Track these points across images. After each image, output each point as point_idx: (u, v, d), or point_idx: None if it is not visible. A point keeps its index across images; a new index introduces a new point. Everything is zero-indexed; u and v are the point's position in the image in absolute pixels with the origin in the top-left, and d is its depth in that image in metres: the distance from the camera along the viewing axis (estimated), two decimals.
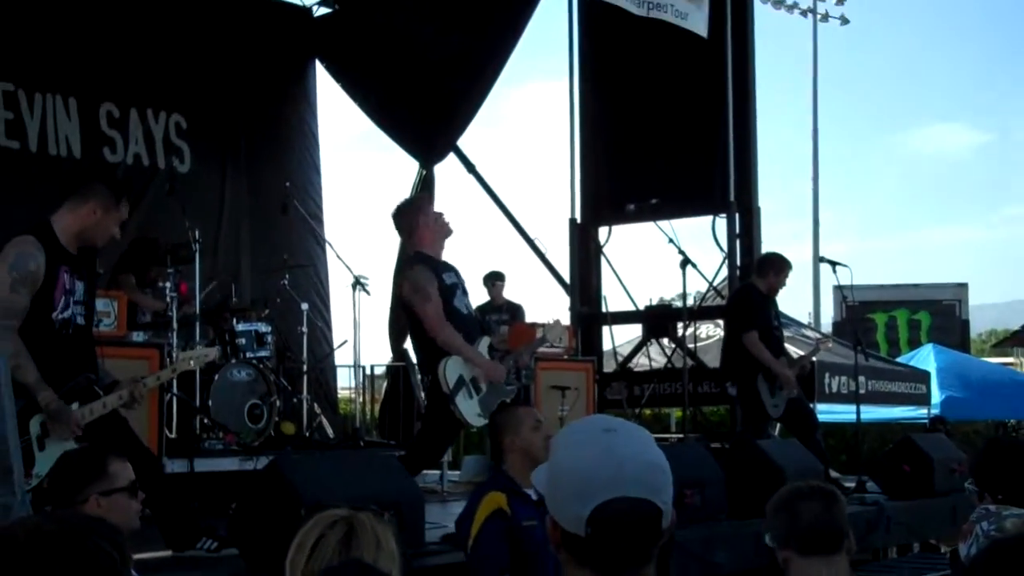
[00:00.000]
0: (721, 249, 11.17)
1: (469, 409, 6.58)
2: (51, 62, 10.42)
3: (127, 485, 3.75)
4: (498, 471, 4.98)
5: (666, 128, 11.52)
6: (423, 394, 8.12)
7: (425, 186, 12.77)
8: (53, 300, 5.15)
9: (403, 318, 8.34)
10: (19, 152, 10.22)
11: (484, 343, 6.82)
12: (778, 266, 9.26)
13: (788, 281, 9.37)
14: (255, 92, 12.08)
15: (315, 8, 13.28)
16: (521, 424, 4.91)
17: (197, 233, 8.88)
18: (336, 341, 12.21)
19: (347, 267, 9.69)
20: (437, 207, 6.98)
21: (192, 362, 5.95)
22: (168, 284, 8.50)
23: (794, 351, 10.47)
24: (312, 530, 2.46)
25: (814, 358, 10.37)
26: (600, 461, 1.92)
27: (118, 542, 1.73)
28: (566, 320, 10.65)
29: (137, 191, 10.19)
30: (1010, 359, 25.59)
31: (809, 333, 15.02)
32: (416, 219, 6.82)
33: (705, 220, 11.32)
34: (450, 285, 6.67)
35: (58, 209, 5.30)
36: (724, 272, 11.29)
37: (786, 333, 10.03)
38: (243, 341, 8.93)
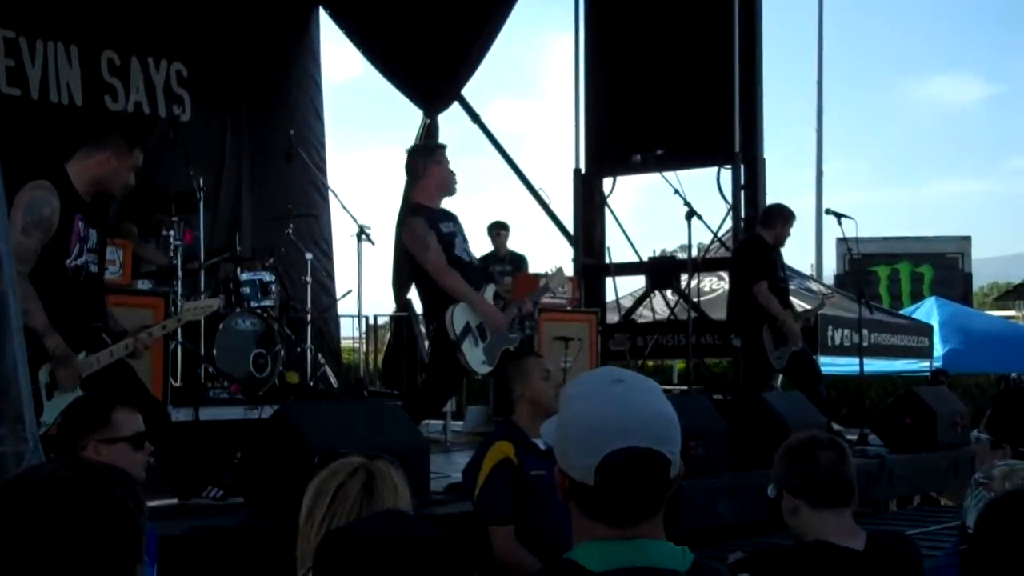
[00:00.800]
0: (726, 200, 11.14)
1: (475, 356, 6.60)
2: (52, 9, 10.34)
3: (130, 435, 3.75)
4: (507, 421, 4.98)
5: (671, 79, 11.46)
6: (427, 344, 8.12)
7: (429, 135, 12.72)
8: (68, 247, 5.15)
9: (407, 268, 8.34)
10: (21, 99, 10.16)
11: (490, 290, 6.83)
12: (784, 216, 9.26)
13: (792, 232, 9.37)
14: (257, 39, 12.00)
15: None
16: (531, 374, 4.91)
17: (201, 181, 8.87)
18: (340, 291, 12.21)
19: (351, 216, 9.67)
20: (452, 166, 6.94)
21: (196, 312, 5.96)
22: (172, 232, 8.50)
23: (797, 303, 10.48)
24: (331, 478, 2.45)
25: (819, 311, 10.39)
26: (609, 411, 1.93)
27: (133, 491, 1.73)
28: (569, 269, 10.65)
29: (139, 139, 10.14)
30: (1012, 312, 25.61)
31: (812, 285, 15.04)
32: (427, 166, 6.81)
33: (710, 171, 11.28)
34: (448, 234, 6.67)
35: (72, 156, 5.30)
36: (728, 224, 11.27)
37: (790, 286, 10.03)
38: (247, 290, 8.93)
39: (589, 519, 1.95)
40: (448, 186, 6.81)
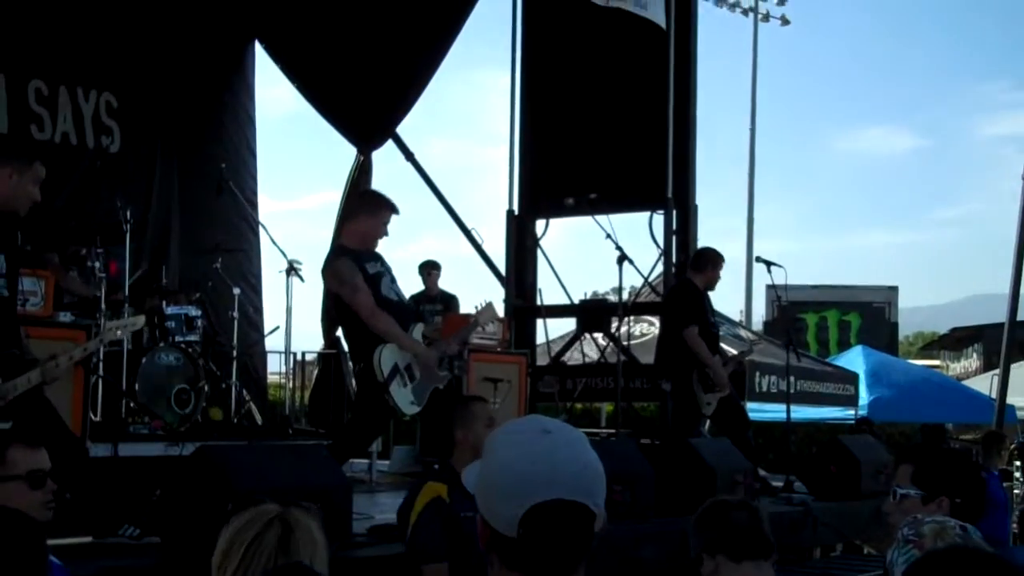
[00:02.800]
0: (658, 245, 11.18)
1: (403, 397, 6.56)
2: None
3: (24, 474, 3.62)
4: (443, 463, 4.94)
5: (606, 123, 11.52)
6: (354, 382, 8.05)
7: (362, 173, 12.68)
8: None
9: (334, 309, 8.24)
10: None
11: (418, 329, 6.80)
12: (714, 260, 9.32)
13: (722, 275, 9.43)
14: (191, 72, 11.92)
15: None
16: (475, 420, 4.89)
17: (128, 213, 8.75)
18: (268, 327, 12.10)
19: (281, 252, 9.57)
20: (391, 221, 6.89)
21: (119, 331, 5.83)
22: (97, 264, 8.35)
23: (727, 349, 10.51)
24: (247, 528, 2.38)
25: (747, 358, 10.44)
26: (536, 462, 1.90)
27: (27, 531, 1.66)
28: (499, 304, 10.60)
29: (66, 170, 10.00)
30: (937, 362, 26.00)
31: (741, 332, 15.13)
32: (360, 213, 6.83)
33: (643, 216, 11.33)
34: (374, 274, 6.66)
35: None
36: (660, 268, 11.31)
37: (720, 332, 10.07)
38: (172, 324, 8.82)
39: (508, 570, 1.91)
40: (371, 242, 6.80)
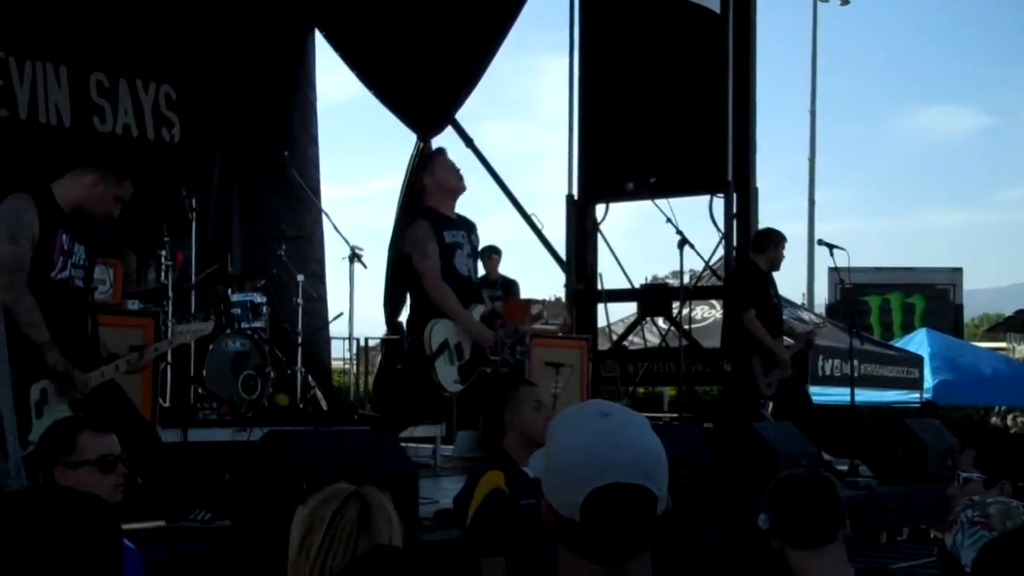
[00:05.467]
0: (718, 229, 11.14)
1: (447, 374, 6.50)
2: (42, 30, 10.34)
3: (94, 459, 3.69)
4: (495, 448, 4.93)
5: (665, 105, 11.48)
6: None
7: (422, 158, 12.73)
8: (52, 259, 5.11)
9: (399, 290, 8.30)
10: (8, 119, 10.16)
11: (479, 310, 6.70)
12: (775, 239, 9.27)
13: (785, 255, 9.38)
14: (251, 62, 11.99)
15: None
16: (522, 404, 4.85)
17: (193, 202, 8.85)
18: (331, 313, 12.19)
19: (344, 238, 9.67)
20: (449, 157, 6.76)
21: (188, 336, 5.92)
22: (164, 253, 8.47)
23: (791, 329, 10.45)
24: (324, 506, 2.40)
25: (813, 340, 10.38)
26: (595, 447, 1.90)
27: (99, 515, 1.71)
28: (561, 291, 10.63)
29: (133, 169, 10.13)
30: (1002, 344, 25.63)
31: (804, 315, 15.03)
32: (421, 180, 6.77)
33: (703, 199, 11.30)
34: (450, 244, 6.55)
35: (62, 177, 5.27)
36: (720, 252, 11.28)
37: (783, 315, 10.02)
38: (238, 311, 8.91)
39: (575, 555, 1.93)
40: (452, 183, 6.66)
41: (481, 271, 11.53)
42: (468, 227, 6.73)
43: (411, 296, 6.86)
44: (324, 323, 12.15)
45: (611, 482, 1.87)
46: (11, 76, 10.22)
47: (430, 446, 9.25)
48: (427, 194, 6.68)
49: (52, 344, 4.97)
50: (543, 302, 7.45)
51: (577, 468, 1.90)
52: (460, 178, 6.72)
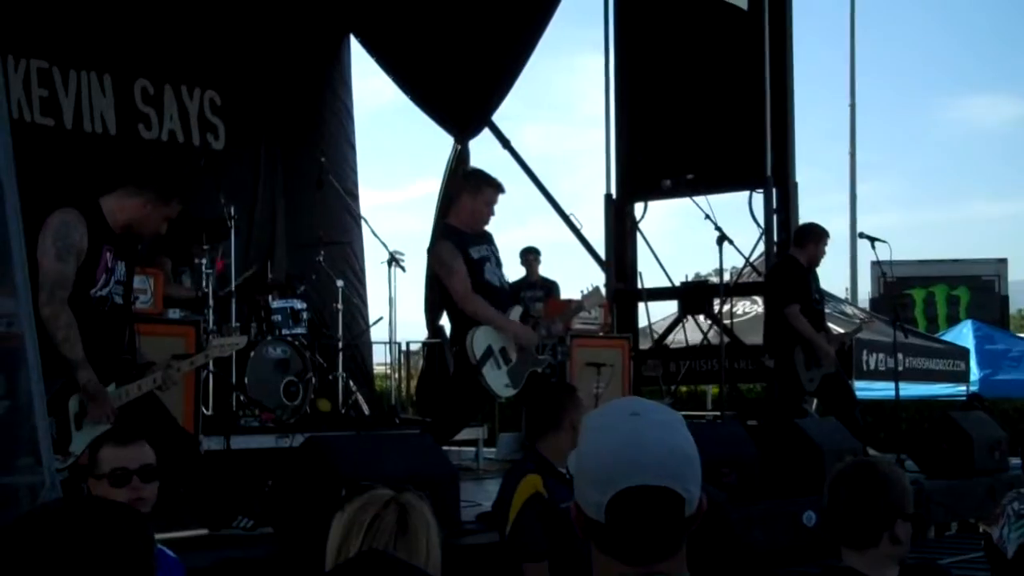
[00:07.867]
0: (758, 225, 11.07)
1: (497, 380, 6.56)
2: (85, 39, 10.43)
3: (107, 472, 3.70)
4: (531, 449, 4.93)
5: (702, 102, 11.42)
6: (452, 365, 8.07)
7: (460, 162, 12.74)
8: (94, 277, 5.15)
9: (437, 293, 8.31)
10: (54, 129, 10.24)
11: (516, 311, 6.76)
12: (817, 235, 9.20)
13: (826, 251, 9.31)
14: (289, 68, 12.06)
15: None
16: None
17: (233, 210, 8.89)
18: (372, 318, 12.22)
19: (382, 243, 9.69)
20: (498, 198, 6.81)
21: (224, 349, 5.94)
22: (204, 261, 8.51)
23: (832, 328, 10.38)
24: (364, 510, 2.40)
25: (857, 335, 10.31)
26: (622, 447, 1.87)
27: (132, 525, 1.71)
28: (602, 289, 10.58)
29: (179, 189, 10.21)
30: None
31: (847, 309, 14.93)
32: (463, 192, 6.79)
33: (742, 195, 11.23)
34: (478, 259, 6.63)
35: (110, 192, 5.29)
36: (761, 248, 11.21)
37: (825, 309, 9.95)
38: (278, 318, 8.94)
39: (604, 555, 1.91)
40: (483, 218, 6.75)
41: (522, 272, 11.56)
42: (488, 239, 6.82)
43: (448, 312, 6.92)
44: (365, 328, 12.18)
45: (636, 484, 1.84)
46: (56, 86, 10.32)
47: (473, 449, 9.26)
48: (457, 208, 6.78)
49: (85, 362, 4.99)
50: (582, 293, 7.41)
51: (603, 470, 1.87)
52: (489, 220, 6.80)
